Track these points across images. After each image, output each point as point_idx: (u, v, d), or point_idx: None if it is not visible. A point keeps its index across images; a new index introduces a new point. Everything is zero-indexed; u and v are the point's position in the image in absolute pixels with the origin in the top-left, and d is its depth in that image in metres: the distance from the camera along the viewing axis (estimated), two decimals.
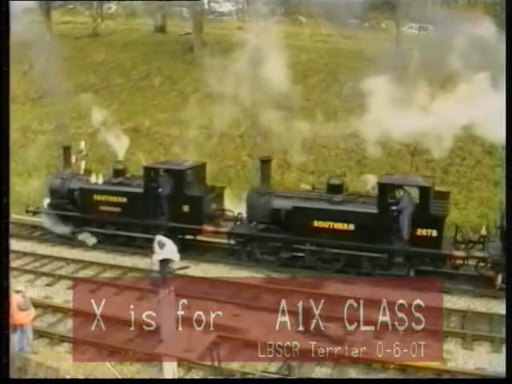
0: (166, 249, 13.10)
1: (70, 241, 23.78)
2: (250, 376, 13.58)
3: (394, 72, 20.17)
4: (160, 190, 22.08)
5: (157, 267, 13.29)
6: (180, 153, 28.83)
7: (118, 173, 23.76)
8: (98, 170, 26.23)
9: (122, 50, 41.33)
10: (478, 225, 21.60)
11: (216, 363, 12.16)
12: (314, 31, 42.59)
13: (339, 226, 19.72)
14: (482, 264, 19.20)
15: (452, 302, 18.11)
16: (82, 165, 25.61)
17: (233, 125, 31.30)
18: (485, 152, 26.88)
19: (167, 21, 48.47)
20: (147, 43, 42.36)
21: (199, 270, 20.64)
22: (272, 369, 14.13)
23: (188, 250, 21.58)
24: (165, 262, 13.20)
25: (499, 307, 17.48)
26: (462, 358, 14.72)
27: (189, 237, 22.97)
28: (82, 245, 23.44)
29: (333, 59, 34.91)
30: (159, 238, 13.25)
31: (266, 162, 21.89)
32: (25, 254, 22.22)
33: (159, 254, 13.10)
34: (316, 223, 19.97)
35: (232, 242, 21.89)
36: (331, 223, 19.80)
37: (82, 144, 25.83)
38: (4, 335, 7.44)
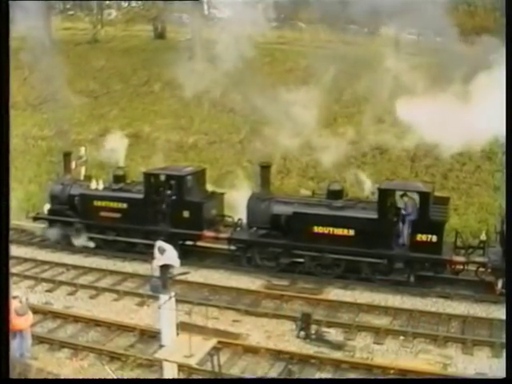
0: (167, 254, 13.06)
1: (70, 246, 23.84)
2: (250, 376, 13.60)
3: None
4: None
5: (157, 273, 13.26)
6: (180, 158, 28.92)
7: (118, 179, 23.78)
8: (98, 176, 26.27)
9: (122, 56, 41.37)
10: (478, 230, 21.62)
11: (216, 369, 12.14)
12: (313, 37, 42.62)
13: (339, 231, 19.71)
14: (482, 269, 19.21)
15: (452, 307, 18.14)
16: (82, 171, 25.65)
17: (232, 131, 31.41)
18: (484, 157, 26.90)
19: (167, 27, 48.52)
20: (147, 49, 42.40)
21: (199, 275, 20.67)
22: (272, 374, 14.14)
23: (188, 255, 21.59)
24: (165, 268, 13.17)
25: (499, 312, 17.48)
26: (462, 364, 14.73)
27: (189, 242, 22.98)
28: (83, 250, 23.49)
29: (332, 65, 34.92)
30: (159, 243, 13.21)
31: (265, 168, 21.89)
32: (25, 260, 22.24)
33: (159, 260, 13.06)
34: (316, 229, 19.96)
35: (232, 247, 21.89)
36: (331, 229, 19.79)
37: (82, 150, 25.87)
38: (4, 335, 7.45)
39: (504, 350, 14.87)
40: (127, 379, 13.70)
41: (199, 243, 23.13)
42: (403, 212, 19.29)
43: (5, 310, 7.70)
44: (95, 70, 40.13)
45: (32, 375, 13.10)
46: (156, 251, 12.99)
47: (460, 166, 26.91)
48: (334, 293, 19.35)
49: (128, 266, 21.97)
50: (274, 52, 38.47)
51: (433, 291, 19.14)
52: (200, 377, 13.80)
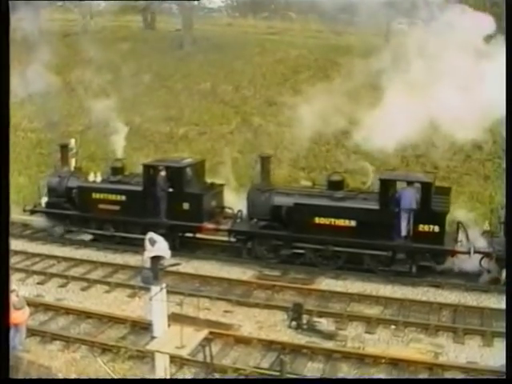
0: (158, 246, 13.07)
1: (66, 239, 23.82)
2: (250, 376, 13.57)
3: None
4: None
5: (148, 264, 13.27)
6: (170, 150, 28.84)
7: (116, 171, 23.58)
8: (88, 168, 26.20)
9: (112, 47, 41.15)
10: (469, 219, 21.62)
11: (208, 359, 12.17)
12: (304, 27, 42.56)
13: (340, 222, 19.62)
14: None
15: (443, 296, 18.21)
16: (73, 162, 25.51)
17: (223, 122, 31.37)
18: (475, 147, 26.93)
19: (157, 17, 48.35)
20: (137, 40, 42.21)
21: (190, 266, 20.67)
22: (264, 364, 14.15)
23: (179, 247, 21.69)
24: (156, 259, 13.18)
25: (490, 301, 17.63)
26: (453, 352, 14.78)
27: (189, 234, 22.91)
28: (74, 242, 23.44)
29: (323, 55, 34.90)
30: (150, 235, 13.23)
31: (265, 159, 21.72)
32: (16, 253, 22.10)
33: (150, 251, 13.07)
34: (317, 220, 19.83)
35: (232, 239, 21.77)
36: (332, 220, 19.68)
37: (73, 142, 25.74)
38: (4, 335, 7.45)
39: (494, 339, 15.09)
40: (126, 379, 13.63)
41: (199, 235, 23.00)
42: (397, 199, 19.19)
43: (5, 310, 7.68)
44: (84, 61, 39.91)
45: (23, 368, 13.08)
46: (147, 243, 13.00)
47: (451, 156, 26.93)
48: (326, 283, 19.39)
49: (119, 258, 21.94)
50: (264, 42, 38.38)
51: (424, 280, 19.18)
52: (192, 367, 13.81)
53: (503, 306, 16.80)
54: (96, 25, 47.50)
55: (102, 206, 22.93)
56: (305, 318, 16.11)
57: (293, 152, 28.14)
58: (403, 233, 19.12)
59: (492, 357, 14.40)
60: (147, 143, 30.66)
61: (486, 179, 25.53)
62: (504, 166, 24.67)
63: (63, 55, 36.98)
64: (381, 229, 19.22)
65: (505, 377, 7.75)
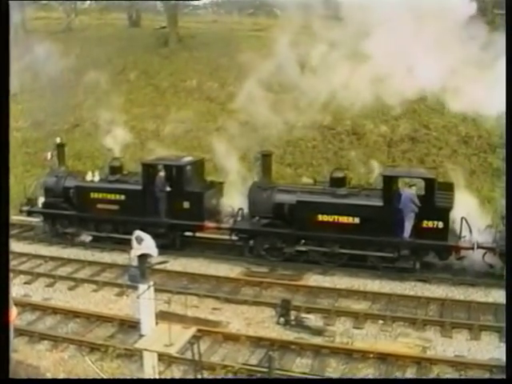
0: (145, 244, 13.00)
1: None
2: (250, 376, 13.56)
3: None
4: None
5: (135, 263, 13.20)
6: (157, 147, 28.75)
7: (114, 170, 23.32)
8: (74, 166, 26.10)
9: (97, 45, 41.05)
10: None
11: (197, 357, 12.14)
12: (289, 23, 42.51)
13: (344, 219, 19.46)
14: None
15: (430, 290, 18.26)
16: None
17: (209, 119, 31.33)
18: (460, 141, 27.06)
19: (142, 15, 48.27)
20: (122, 38, 42.10)
21: (178, 264, 20.63)
22: (253, 361, 14.16)
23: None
24: (143, 258, 13.12)
25: (477, 295, 17.70)
26: (441, 346, 14.83)
27: (188, 233, 22.80)
28: (60, 242, 23.35)
29: None
30: (137, 233, 13.15)
31: (266, 156, 21.49)
32: None
33: (137, 250, 13.00)
34: (320, 217, 19.68)
35: (234, 237, 21.60)
36: (336, 217, 19.54)
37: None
38: (4, 335, 7.41)
39: (482, 332, 15.17)
40: (125, 379, 13.58)
41: (199, 234, 22.83)
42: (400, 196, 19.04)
43: (5, 310, 7.64)
44: (70, 59, 39.76)
45: (11, 368, 13.01)
46: (134, 241, 12.92)
47: (437, 151, 27.06)
48: (314, 279, 19.41)
49: (106, 257, 21.86)
50: (250, 39, 38.34)
51: (411, 275, 19.22)
52: (180, 365, 13.80)
53: (490, 299, 17.06)
54: (81, 23, 47.37)
55: (100, 206, 22.65)
56: (293, 314, 16.13)
57: (279, 148, 28.17)
58: (407, 230, 18.97)
59: (480, 350, 14.49)
60: (133, 141, 30.56)
61: (471, 174, 25.61)
62: (490, 160, 24.91)
63: (48, 53, 36.84)
64: (384, 225, 19.07)
65: (504, 376, 7.78)
